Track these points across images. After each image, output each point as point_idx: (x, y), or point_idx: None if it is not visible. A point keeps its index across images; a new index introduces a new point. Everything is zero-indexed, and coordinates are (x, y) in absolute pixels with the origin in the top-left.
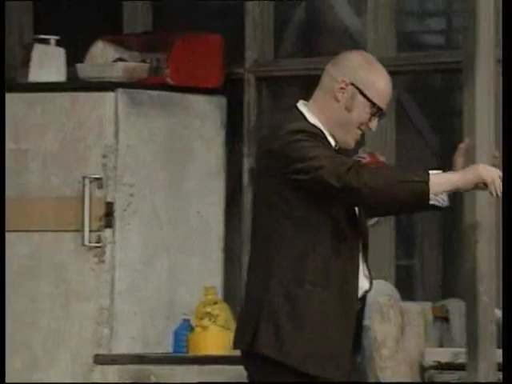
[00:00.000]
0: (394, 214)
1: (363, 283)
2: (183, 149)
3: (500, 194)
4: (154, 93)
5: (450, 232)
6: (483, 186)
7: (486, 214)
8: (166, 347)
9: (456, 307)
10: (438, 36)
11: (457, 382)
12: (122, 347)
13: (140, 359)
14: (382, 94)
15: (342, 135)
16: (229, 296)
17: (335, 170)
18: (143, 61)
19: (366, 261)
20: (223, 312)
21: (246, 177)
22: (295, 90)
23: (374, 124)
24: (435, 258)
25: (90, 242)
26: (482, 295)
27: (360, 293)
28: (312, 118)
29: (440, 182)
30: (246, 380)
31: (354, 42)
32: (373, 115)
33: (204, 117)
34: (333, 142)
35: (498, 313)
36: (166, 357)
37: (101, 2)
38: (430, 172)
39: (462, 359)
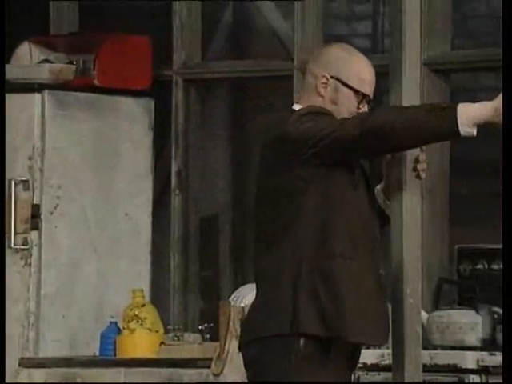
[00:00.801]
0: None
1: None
2: (111, 151)
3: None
4: (81, 94)
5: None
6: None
7: (412, 217)
8: (95, 350)
9: None
10: (365, 39)
11: (383, 382)
12: (49, 350)
13: (67, 362)
14: (365, 80)
15: None
16: (156, 299)
17: (352, 122)
18: (70, 62)
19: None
20: (151, 315)
21: (173, 179)
22: (223, 93)
23: (361, 110)
24: None
25: (16, 245)
26: (408, 297)
27: None
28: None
29: (471, 110)
30: (172, 383)
31: (282, 45)
32: (360, 103)
33: (132, 119)
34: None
35: (424, 315)
36: (93, 359)
37: (27, 2)
38: (461, 104)
39: (388, 360)
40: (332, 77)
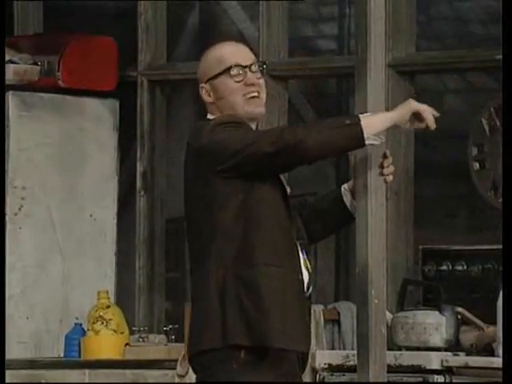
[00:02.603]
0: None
1: (305, 276)
2: (76, 152)
3: (433, 126)
4: (46, 95)
5: (343, 235)
6: (418, 121)
7: (377, 218)
8: (59, 351)
9: (347, 310)
10: (331, 41)
11: (348, 383)
12: (14, 352)
13: (31, 364)
14: (223, 57)
15: (245, 113)
16: (121, 300)
17: (267, 139)
18: (35, 63)
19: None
20: (115, 316)
21: (139, 180)
22: (189, 94)
23: (250, 79)
24: (328, 261)
25: None
26: (373, 298)
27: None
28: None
29: (374, 121)
30: None
31: (248, 47)
32: (238, 76)
33: (97, 120)
34: (253, 127)
35: (389, 315)
36: (57, 361)
37: None
38: (364, 115)
39: (353, 361)
40: (205, 82)
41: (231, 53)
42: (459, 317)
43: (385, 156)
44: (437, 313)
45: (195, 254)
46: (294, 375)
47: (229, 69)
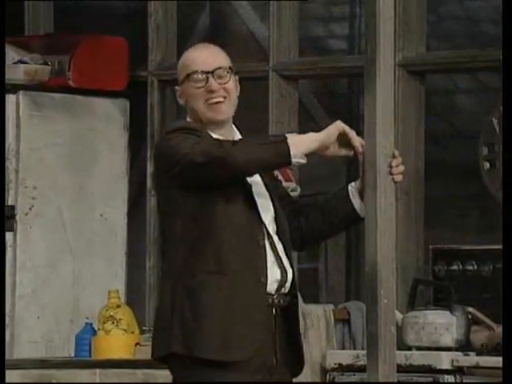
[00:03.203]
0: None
1: (275, 274)
2: (87, 151)
3: (361, 149)
4: (57, 95)
5: (353, 235)
6: (342, 145)
7: (386, 218)
8: (70, 351)
9: (358, 309)
10: (342, 41)
11: (358, 382)
12: (25, 351)
13: (42, 363)
14: (187, 62)
15: (206, 118)
16: (132, 300)
17: (200, 149)
18: (45, 63)
19: (286, 254)
20: (126, 316)
21: (149, 180)
22: None
23: (211, 85)
24: (338, 261)
25: None
26: (383, 298)
27: (275, 284)
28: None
29: (301, 141)
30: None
31: (258, 46)
32: (199, 82)
33: (107, 120)
34: (217, 136)
35: (399, 315)
36: (68, 361)
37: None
38: (291, 134)
39: (363, 361)
40: (179, 85)
41: (195, 58)
42: (470, 317)
43: (393, 156)
44: (447, 313)
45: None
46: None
47: (190, 74)
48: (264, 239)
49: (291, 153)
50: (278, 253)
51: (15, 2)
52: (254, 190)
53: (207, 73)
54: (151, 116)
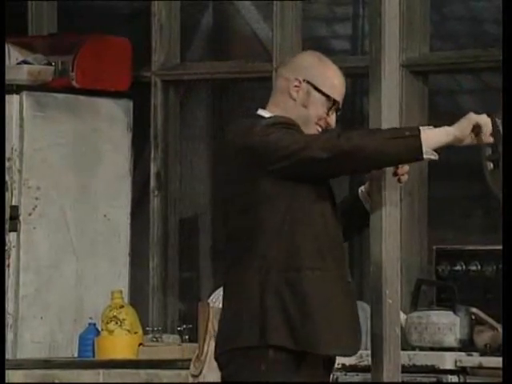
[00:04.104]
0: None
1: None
2: (90, 152)
3: (491, 139)
4: (60, 96)
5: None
6: (477, 134)
7: (391, 219)
8: (73, 351)
9: (361, 310)
10: (345, 41)
11: (362, 383)
12: (28, 352)
13: (45, 364)
14: (336, 87)
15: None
16: (135, 300)
17: (321, 143)
18: (49, 63)
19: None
20: (129, 316)
21: (152, 180)
22: (203, 94)
23: (332, 119)
24: None
25: None
26: (387, 298)
27: None
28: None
29: (434, 135)
30: None
31: (261, 46)
32: (329, 110)
33: (111, 120)
34: (422, 127)
35: (403, 316)
36: (71, 361)
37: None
38: (424, 127)
39: (367, 361)
40: (304, 80)
41: (341, 91)
42: (473, 317)
43: None
44: (451, 313)
45: (235, 252)
46: (321, 377)
47: (334, 102)
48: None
49: (423, 149)
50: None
51: (18, 2)
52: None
53: (337, 110)
54: (155, 116)
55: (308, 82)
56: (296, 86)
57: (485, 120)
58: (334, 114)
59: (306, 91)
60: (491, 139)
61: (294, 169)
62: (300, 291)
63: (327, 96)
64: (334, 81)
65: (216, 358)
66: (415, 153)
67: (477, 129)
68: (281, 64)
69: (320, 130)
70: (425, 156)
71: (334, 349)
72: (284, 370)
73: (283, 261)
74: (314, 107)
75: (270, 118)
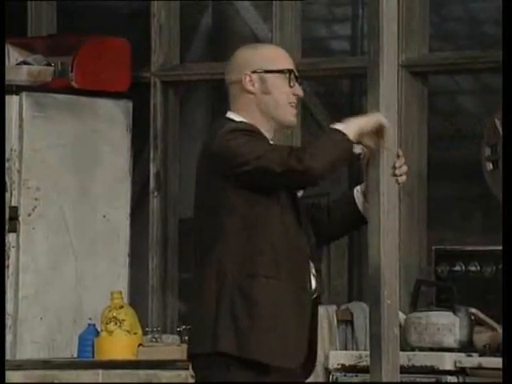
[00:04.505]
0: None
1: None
2: (90, 153)
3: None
4: (60, 96)
5: (355, 236)
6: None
7: (390, 219)
8: (73, 352)
9: (360, 310)
10: (344, 41)
11: (361, 383)
12: (27, 352)
13: (45, 364)
14: (280, 57)
15: (280, 118)
16: (135, 300)
17: (276, 157)
18: (48, 64)
19: (313, 261)
20: (129, 317)
21: (152, 181)
22: (202, 95)
23: (298, 90)
24: (341, 262)
25: None
26: (386, 299)
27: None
28: (241, 118)
29: (353, 131)
30: None
31: None
32: (290, 81)
33: (110, 121)
34: (269, 137)
35: (402, 316)
36: (71, 361)
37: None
38: (339, 126)
39: (366, 362)
40: (252, 72)
41: (288, 59)
42: (472, 317)
43: (397, 155)
44: (450, 313)
45: (198, 256)
46: None
47: (288, 71)
48: (307, 245)
49: (353, 146)
50: (313, 260)
51: (18, 3)
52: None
53: (297, 78)
54: (154, 117)
55: (255, 71)
56: (249, 81)
57: (388, 125)
58: (297, 85)
59: (259, 79)
60: (384, 146)
61: (249, 177)
62: (252, 298)
63: (279, 71)
64: (274, 54)
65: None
66: (348, 153)
67: (379, 131)
68: (225, 74)
69: (295, 106)
70: (355, 152)
71: (278, 359)
72: (237, 377)
73: (239, 267)
74: (275, 88)
75: (232, 123)
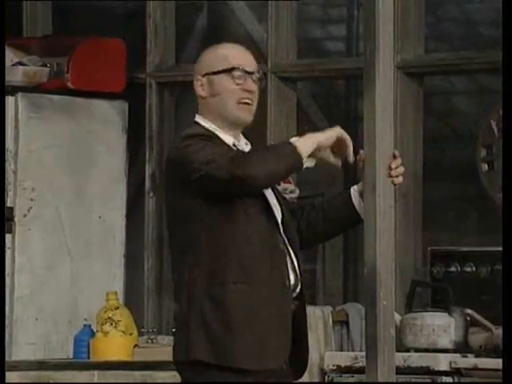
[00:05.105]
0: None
1: (291, 277)
2: (85, 153)
3: (352, 158)
4: (55, 97)
5: (350, 237)
6: (338, 150)
7: (386, 220)
8: (68, 353)
9: (356, 311)
10: (340, 43)
11: (356, 383)
12: (23, 353)
13: (40, 365)
14: (227, 56)
15: (231, 118)
16: (130, 301)
17: (221, 163)
18: (44, 65)
19: (295, 255)
20: (124, 317)
21: (148, 182)
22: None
23: (248, 85)
24: (336, 263)
25: None
26: (381, 300)
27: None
28: (204, 123)
29: (306, 145)
30: None
31: (256, 48)
32: (237, 79)
33: (106, 121)
34: (230, 140)
35: (397, 317)
36: (66, 362)
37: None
38: (294, 140)
39: (361, 363)
40: (203, 75)
41: (238, 55)
42: (468, 318)
43: (393, 156)
44: (445, 314)
45: (173, 263)
46: None
47: (232, 69)
48: (282, 242)
49: (303, 161)
50: (290, 255)
51: (13, 3)
52: (265, 192)
53: (248, 73)
54: (149, 118)
55: (204, 75)
56: (200, 86)
57: (348, 137)
58: (251, 80)
59: (208, 82)
60: (351, 158)
61: (200, 184)
62: (222, 305)
63: (223, 70)
64: (222, 54)
65: None
66: (297, 167)
67: (340, 143)
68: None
69: (249, 100)
70: (304, 166)
71: (254, 363)
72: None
73: (208, 275)
74: (223, 88)
75: (190, 129)
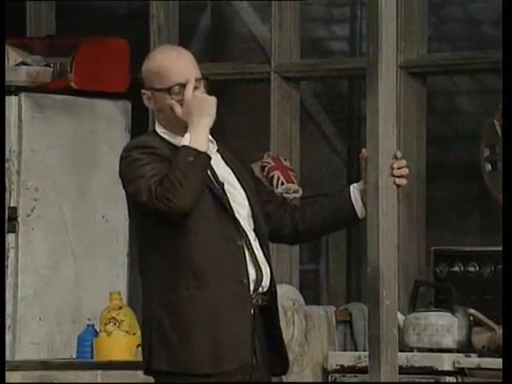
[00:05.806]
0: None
1: (252, 273)
2: (88, 153)
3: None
4: (59, 97)
5: (354, 237)
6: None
7: (388, 219)
8: (72, 353)
9: (359, 311)
10: (343, 42)
11: (359, 383)
12: (26, 353)
13: (44, 365)
14: (165, 74)
15: (183, 125)
16: (134, 301)
17: (146, 184)
18: (47, 65)
19: (262, 251)
20: (128, 317)
21: None
22: None
23: (188, 94)
24: (340, 263)
25: None
26: (384, 299)
27: (252, 284)
28: (159, 128)
29: (199, 139)
30: None
31: (259, 48)
32: (177, 95)
33: (109, 121)
34: (184, 141)
35: (401, 317)
36: (70, 362)
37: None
38: (186, 141)
39: (365, 362)
40: (148, 89)
41: (171, 67)
42: (471, 318)
43: (395, 157)
44: (449, 314)
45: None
46: None
47: (169, 88)
48: (241, 239)
49: (208, 153)
50: (253, 251)
51: (16, 4)
52: (226, 188)
53: (185, 86)
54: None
55: (148, 88)
56: (147, 99)
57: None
58: (190, 89)
59: (153, 97)
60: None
61: (131, 201)
62: (176, 311)
63: (160, 89)
64: (157, 70)
65: None
66: (206, 166)
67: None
68: None
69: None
70: (211, 156)
71: (211, 367)
72: None
73: (161, 283)
74: (163, 106)
75: (138, 138)
